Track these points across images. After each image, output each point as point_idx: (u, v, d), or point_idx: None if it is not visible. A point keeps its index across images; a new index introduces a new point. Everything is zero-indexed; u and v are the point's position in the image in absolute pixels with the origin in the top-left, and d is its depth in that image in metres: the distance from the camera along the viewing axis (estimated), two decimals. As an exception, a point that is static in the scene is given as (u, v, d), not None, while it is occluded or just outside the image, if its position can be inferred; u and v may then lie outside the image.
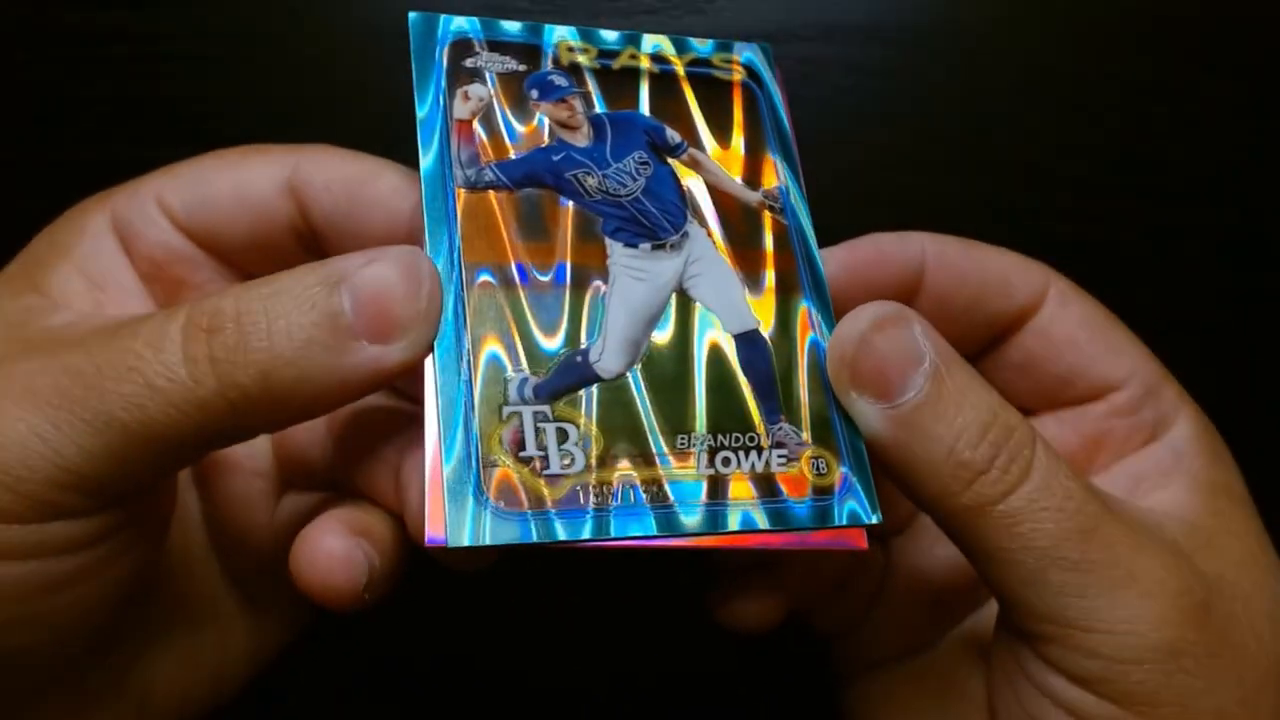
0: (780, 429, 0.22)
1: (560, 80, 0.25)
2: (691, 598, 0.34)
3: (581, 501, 0.20)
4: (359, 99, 0.35)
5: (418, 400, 0.21)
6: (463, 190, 0.23)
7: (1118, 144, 0.35)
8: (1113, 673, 0.20)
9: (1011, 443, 0.20)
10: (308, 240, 0.25)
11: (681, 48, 0.26)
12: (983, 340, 0.27)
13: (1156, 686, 0.20)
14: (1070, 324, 0.25)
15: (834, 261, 0.25)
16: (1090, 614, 0.20)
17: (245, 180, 0.24)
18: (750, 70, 0.26)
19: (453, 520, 0.20)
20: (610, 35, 0.25)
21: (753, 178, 0.25)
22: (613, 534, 0.20)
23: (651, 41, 0.26)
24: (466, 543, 0.19)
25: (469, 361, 0.21)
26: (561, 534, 0.20)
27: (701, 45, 0.26)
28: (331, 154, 0.24)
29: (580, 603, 0.36)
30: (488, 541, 0.20)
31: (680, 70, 0.26)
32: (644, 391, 0.22)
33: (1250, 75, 0.35)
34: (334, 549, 0.22)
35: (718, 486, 0.21)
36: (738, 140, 0.25)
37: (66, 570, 0.20)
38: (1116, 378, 0.25)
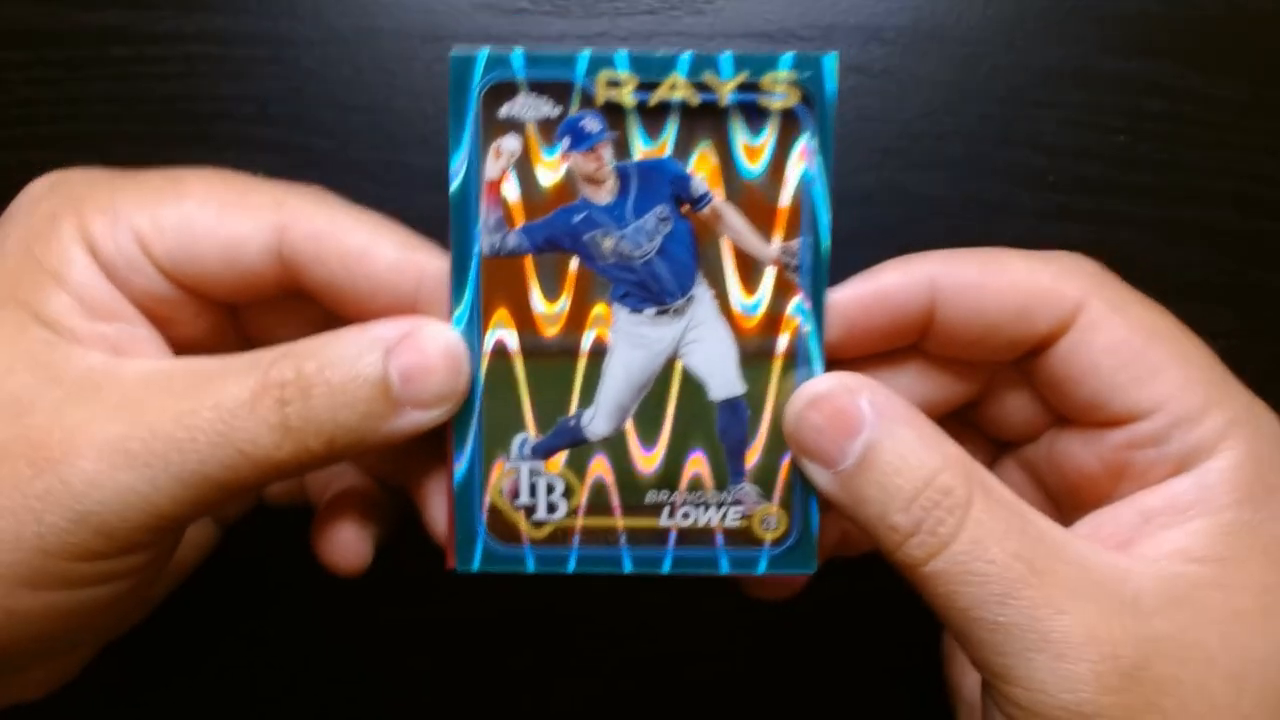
0: (741, 489, 0.25)
1: (593, 125, 0.24)
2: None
3: (563, 542, 0.25)
4: (359, 99, 0.35)
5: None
6: (487, 256, 0.24)
7: (1119, 144, 0.35)
8: (1035, 714, 0.21)
9: (940, 509, 0.22)
10: (299, 291, 0.25)
11: (735, 66, 0.24)
12: (1009, 359, 0.26)
13: None
14: (1095, 351, 0.24)
15: (834, 310, 0.25)
16: (1008, 670, 0.21)
17: (231, 242, 0.24)
18: (804, 92, 0.24)
19: (462, 552, 0.25)
20: (653, 58, 0.24)
21: (773, 229, 0.24)
22: (584, 570, 0.25)
23: (696, 64, 0.23)
24: (473, 569, 0.25)
25: (481, 422, 0.25)
26: (544, 567, 0.25)
27: (756, 60, 0.24)
28: (319, 215, 0.24)
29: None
30: (488, 569, 0.25)
31: (724, 98, 0.24)
32: (627, 454, 0.25)
33: (1250, 75, 0.35)
34: (347, 539, 0.26)
35: (678, 536, 0.25)
36: (770, 182, 0.24)
37: (124, 590, 0.23)
38: (1141, 408, 0.23)
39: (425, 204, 0.34)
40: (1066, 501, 0.26)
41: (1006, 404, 0.27)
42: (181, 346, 0.25)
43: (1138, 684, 0.21)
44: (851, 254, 0.35)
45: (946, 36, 0.35)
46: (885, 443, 0.22)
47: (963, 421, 0.28)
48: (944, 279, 0.24)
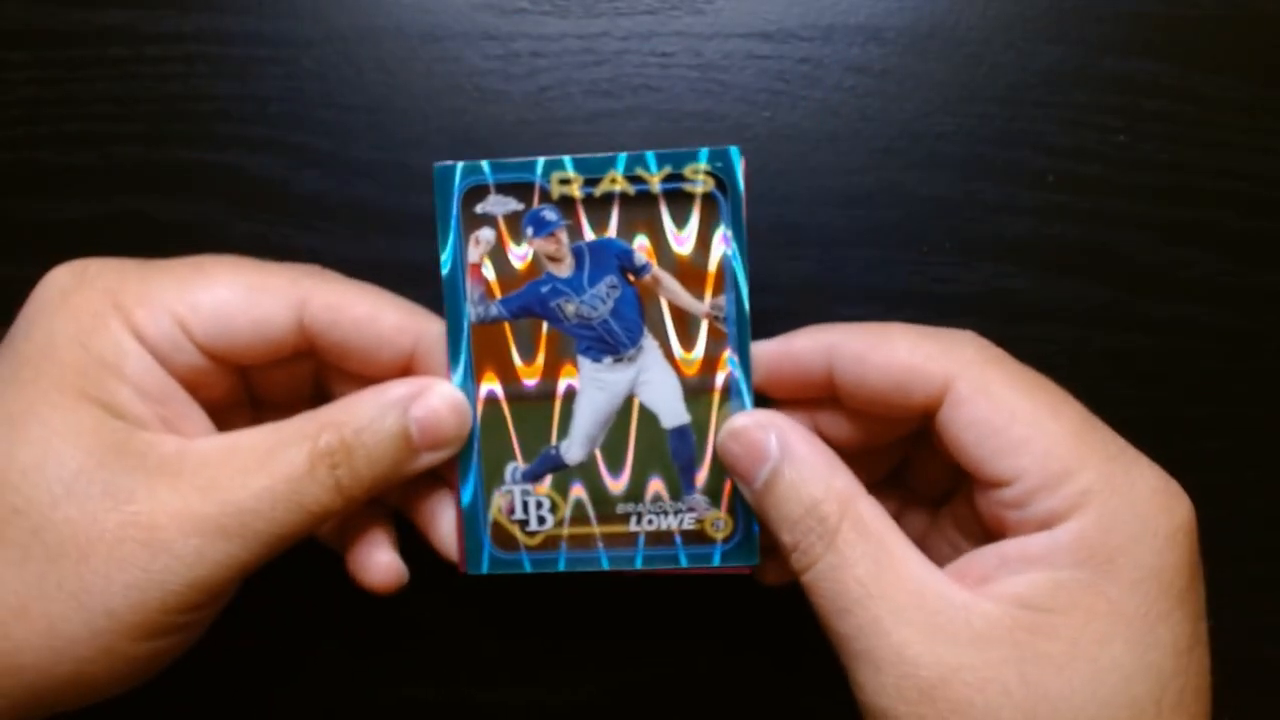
0: (693, 498, 0.30)
1: (550, 215, 0.29)
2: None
3: (552, 548, 0.31)
4: (358, 99, 0.35)
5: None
6: (474, 323, 0.30)
7: (1118, 144, 0.35)
8: (862, 712, 0.26)
9: (813, 534, 0.27)
10: (309, 354, 0.30)
11: (660, 162, 0.29)
12: (904, 427, 0.30)
13: None
14: (961, 426, 0.27)
15: (758, 361, 0.30)
16: (849, 669, 0.26)
17: (262, 318, 0.28)
18: (717, 179, 0.29)
19: (472, 559, 0.31)
20: (594, 160, 0.29)
21: (704, 289, 0.29)
22: (571, 569, 0.30)
23: (630, 161, 0.29)
24: (482, 572, 0.31)
25: (480, 456, 0.30)
26: (538, 568, 0.31)
27: (678, 155, 0.29)
28: (330, 290, 0.29)
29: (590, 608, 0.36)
30: (494, 572, 0.31)
31: (654, 188, 0.29)
32: (599, 475, 0.30)
33: (1250, 75, 0.35)
34: (381, 560, 0.30)
35: (645, 539, 0.30)
36: (697, 252, 0.29)
37: (202, 629, 0.28)
38: (1004, 477, 0.26)
39: (423, 204, 0.34)
40: (988, 528, 0.28)
41: (936, 456, 0.30)
42: (208, 405, 0.29)
43: (931, 701, 0.25)
44: (854, 253, 0.35)
45: (946, 36, 0.35)
46: (785, 472, 0.27)
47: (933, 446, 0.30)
48: (840, 349, 0.28)
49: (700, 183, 0.29)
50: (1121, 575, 0.25)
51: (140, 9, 0.35)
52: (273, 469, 0.27)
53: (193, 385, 0.28)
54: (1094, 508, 0.25)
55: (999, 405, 0.27)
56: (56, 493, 0.25)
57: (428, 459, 0.29)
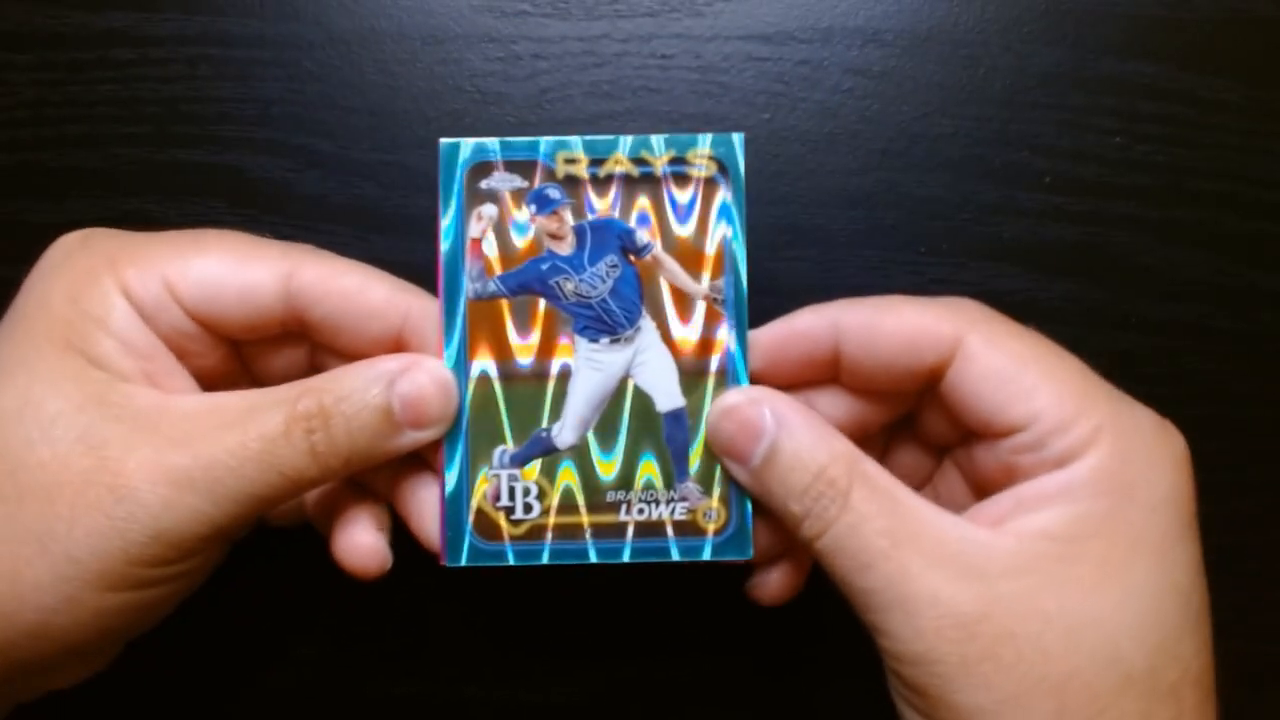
0: (685, 487, 0.30)
1: (554, 193, 0.29)
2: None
3: (538, 538, 0.30)
4: (359, 101, 0.35)
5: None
6: (472, 300, 0.29)
7: (1115, 146, 0.35)
8: (896, 666, 0.26)
9: (825, 498, 0.27)
10: (297, 329, 0.30)
11: (665, 145, 0.29)
12: (913, 391, 0.30)
13: (921, 684, 0.26)
14: (974, 379, 0.27)
15: (757, 345, 0.30)
16: (877, 624, 0.26)
17: (248, 286, 0.28)
18: (720, 163, 0.29)
19: (452, 550, 0.30)
20: (601, 141, 0.29)
21: (703, 271, 0.30)
22: (556, 561, 0.30)
23: (635, 144, 0.29)
24: (462, 564, 0.30)
25: (467, 436, 0.29)
26: (522, 560, 0.30)
27: (682, 139, 0.29)
28: (320, 263, 0.29)
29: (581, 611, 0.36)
30: (475, 564, 0.30)
31: (658, 170, 0.29)
32: (590, 460, 0.30)
33: (1246, 77, 0.35)
34: (363, 542, 0.30)
35: (635, 529, 0.30)
36: (698, 234, 0.29)
37: (180, 589, 0.28)
38: (1019, 422, 0.27)
39: (423, 205, 0.35)
40: (984, 492, 0.29)
41: (934, 420, 0.31)
42: (198, 375, 0.29)
43: (975, 637, 0.25)
44: (853, 254, 0.35)
45: (944, 39, 0.35)
46: (784, 444, 0.27)
47: (909, 433, 0.32)
48: (846, 318, 0.29)
49: (702, 166, 0.29)
50: (1139, 502, 0.26)
51: (143, 12, 0.35)
52: (247, 427, 0.27)
53: (181, 350, 0.29)
54: (1107, 442, 0.26)
55: (1010, 355, 0.27)
56: (34, 436, 0.26)
57: (411, 437, 0.28)
